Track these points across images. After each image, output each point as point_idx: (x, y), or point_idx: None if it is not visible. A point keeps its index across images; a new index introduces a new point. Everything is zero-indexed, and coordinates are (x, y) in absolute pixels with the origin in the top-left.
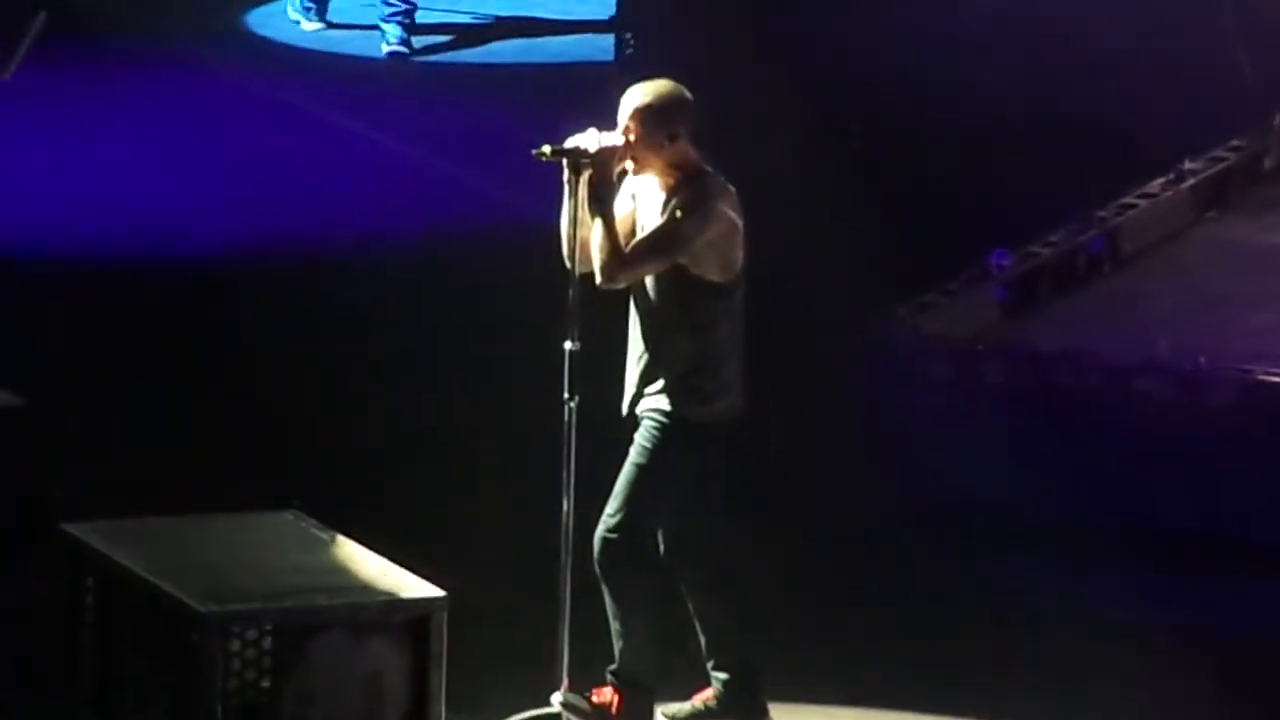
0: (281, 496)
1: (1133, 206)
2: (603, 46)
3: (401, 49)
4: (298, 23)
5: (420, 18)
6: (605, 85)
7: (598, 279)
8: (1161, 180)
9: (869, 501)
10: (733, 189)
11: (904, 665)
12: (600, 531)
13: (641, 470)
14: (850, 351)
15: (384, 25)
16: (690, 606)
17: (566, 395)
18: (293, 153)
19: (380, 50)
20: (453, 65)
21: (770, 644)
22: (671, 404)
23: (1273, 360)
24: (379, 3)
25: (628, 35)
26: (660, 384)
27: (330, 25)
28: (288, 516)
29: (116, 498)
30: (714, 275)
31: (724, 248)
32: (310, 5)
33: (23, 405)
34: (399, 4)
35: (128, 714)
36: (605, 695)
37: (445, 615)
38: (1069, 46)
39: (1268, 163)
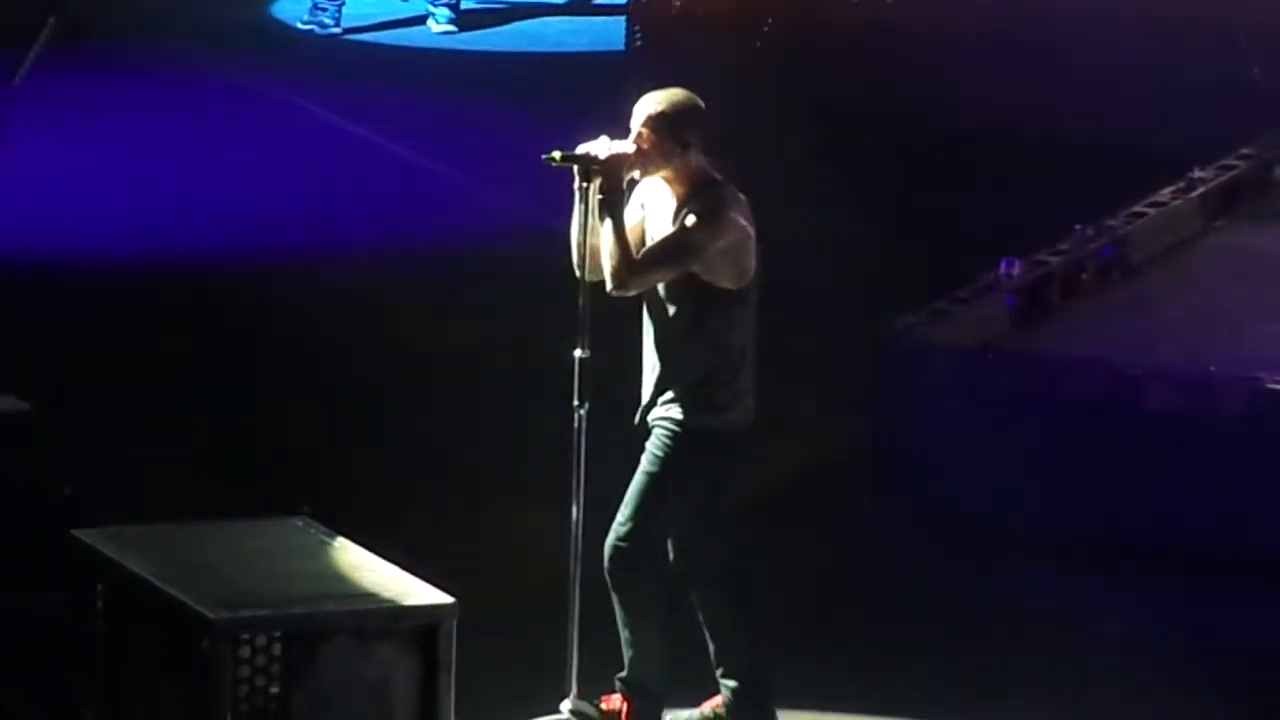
0: (291, 503)
1: (1142, 215)
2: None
3: (451, 28)
4: (311, 30)
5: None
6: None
7: (608, 286)
8: (1171, 189)
9: (879, 509)
10: (744, 198)
11: (912, 674)
12: (611, 539)
13: (652, 478)
14: (861, 359)
15: (432, 9)
16: (700, 614)
17: (576, 403)
18: (299, 156)
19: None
20: (461, 56)
21: (780, 652)
22: (684, 413)
23: None
24: None
25: (636, 29)
26: (673, 393)
27: (346, 31)
28: (297, 523)
29: (125, 504)
30: (726, 283)
31: (736, 255)
32: (325, 7)
33: (29, 410)
34: None
35: None
36: (614, 702)
37: (454, 622)
38: (1079, 55)
39: (1277, 171)
